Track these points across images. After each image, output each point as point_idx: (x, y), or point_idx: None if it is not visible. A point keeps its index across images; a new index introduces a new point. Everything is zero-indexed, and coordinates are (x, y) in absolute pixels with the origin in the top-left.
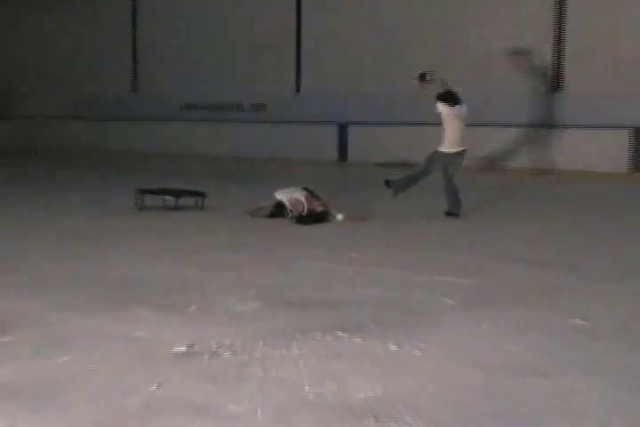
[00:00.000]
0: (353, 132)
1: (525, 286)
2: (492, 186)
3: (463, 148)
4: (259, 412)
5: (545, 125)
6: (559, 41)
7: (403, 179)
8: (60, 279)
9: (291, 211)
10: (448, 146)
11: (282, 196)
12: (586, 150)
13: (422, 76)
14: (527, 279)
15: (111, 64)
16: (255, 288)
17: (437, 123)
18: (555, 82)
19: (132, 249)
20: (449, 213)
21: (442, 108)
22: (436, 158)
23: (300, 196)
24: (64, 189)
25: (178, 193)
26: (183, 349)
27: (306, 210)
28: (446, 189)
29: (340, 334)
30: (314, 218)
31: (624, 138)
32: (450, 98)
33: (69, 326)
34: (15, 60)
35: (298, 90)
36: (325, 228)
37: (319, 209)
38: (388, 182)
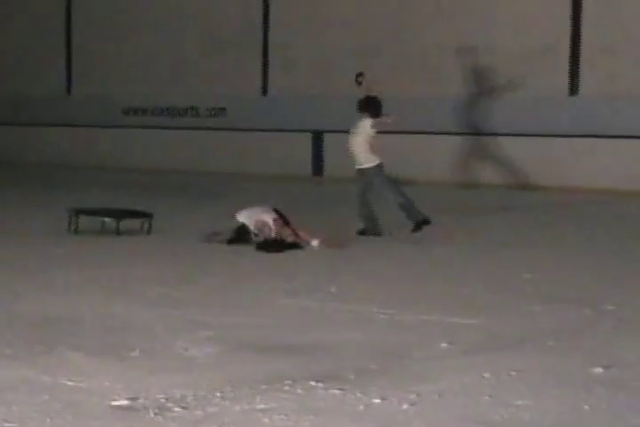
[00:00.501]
0: (329, 141)
1: (537, 325)
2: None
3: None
4: None
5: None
6: (576, 40)
7: (367, 219)
8: None
9: (256, 235)
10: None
11: (245, 218)
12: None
13: (356, 77)
14: (539, 317)
15: (40, 60)
16: (211, 329)
17: (430, 131)
18: (572, 83)
19: (61, 281)
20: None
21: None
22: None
23: (267, 218)
24: None
25: (119, 214)
26: (124, 402)
27: (273, 234)
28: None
29: (313, 384)
30: (281, 246)
31: None
32: (371, 106)
33: None
34: None
35: (264, 92)
36: (298, 256)
37: (289, 239)
38: (363, 232)
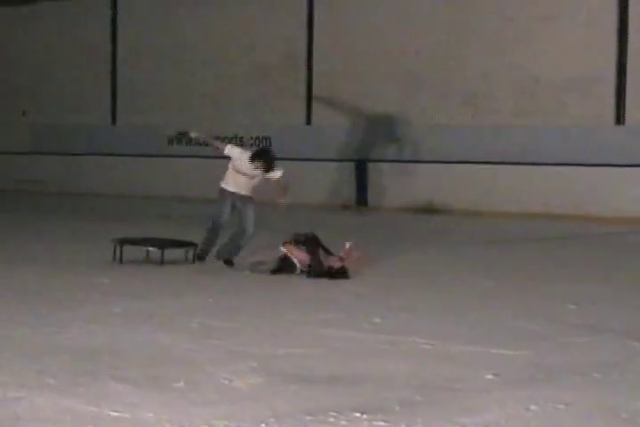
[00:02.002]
0: (373, 170)
1: (582, 357)
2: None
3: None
4: None
5: None
6: (621, 69)
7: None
8: (16, 349)
9: (307, 266)
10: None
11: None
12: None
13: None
14: (584, 349)
15: (85, 90)
16: (255, 360)
17: (474, 161)
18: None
19: (105, 312)
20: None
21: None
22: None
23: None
24: (21, 237)
25: (163, 244)
26: None
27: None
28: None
29: (358, 415)
30: (332, 274)
31: None
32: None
33: (28, 406)
34: None
35: (308, 121)
36: (341, 286)
37: (337, 265)
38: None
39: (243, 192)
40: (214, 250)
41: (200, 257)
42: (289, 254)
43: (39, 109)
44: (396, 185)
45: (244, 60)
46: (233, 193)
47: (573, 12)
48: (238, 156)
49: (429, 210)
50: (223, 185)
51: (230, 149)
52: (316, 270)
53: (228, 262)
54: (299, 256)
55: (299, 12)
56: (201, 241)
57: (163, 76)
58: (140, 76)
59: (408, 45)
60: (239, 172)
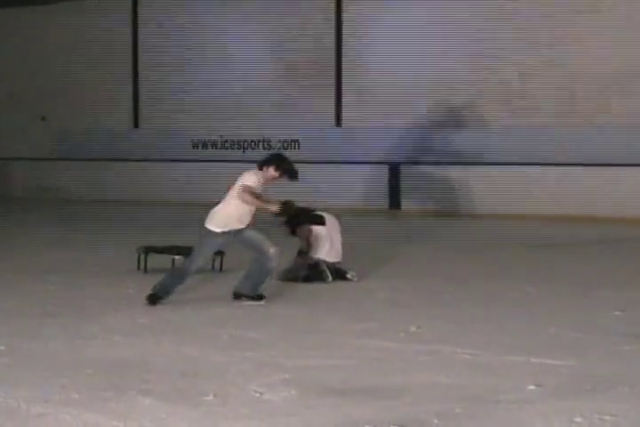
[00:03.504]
0: (406, 173)
1: (629, 366)
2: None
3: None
4: None
5: None
6: None
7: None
8: (39, 362)
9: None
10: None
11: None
12: None
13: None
14: (631, 358)
15: (107, 95)
16: (287, 372)
17: (505, 162)
18: None
19: (131, 323)
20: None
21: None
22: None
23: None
24: (42, 246)
25: (190, 252)
26: None
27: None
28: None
29: None
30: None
31: None
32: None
33: (54, 421)
34: None
35: (338, 123)
36: (375, 293)
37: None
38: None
39: (244, 225)
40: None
41: (152, 299)
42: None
43: (59, 114)
44: (429, 188)
45: (271, 60)
46: (230, 231)
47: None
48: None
49: (465, 213)
50: (218, 228)
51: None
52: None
53: (259, 297)
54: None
55: (327, 10)
56: (160, 282)
57: (187, 78)
58: (163, 78)
59: (442, 43)
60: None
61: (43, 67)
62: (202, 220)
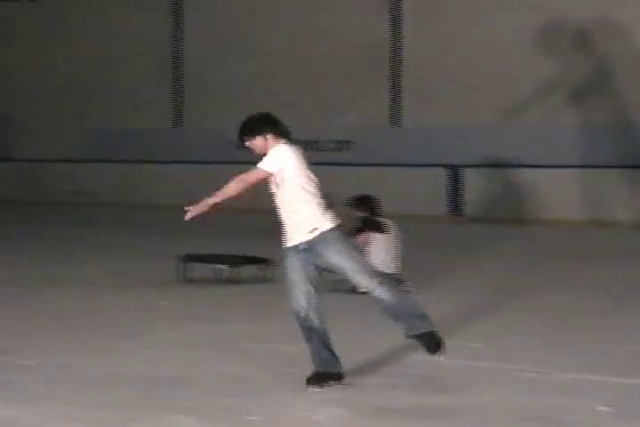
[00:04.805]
0: (468, 177)
1: None
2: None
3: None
4: None
5: None
6: None
7: None
8: (72, 378)
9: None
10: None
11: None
12: None
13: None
14: None
15: (144, 93)
16: (338, 389)
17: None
18: None
19: (169, 338)
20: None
21: None
22: None
23: None
24: (73, 255)
25: (234, 260)
26: None
27: None
28: None
29: None
30: None
31: None
32: None
33: None
34: (18, 88)
35: (394, 122)
36: (431, 306)
37: None
38: None
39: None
40: None
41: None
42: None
43: (95, 114)
44: (493, 192)
45: (322, 56)
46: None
47: None
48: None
49: (531, 219)
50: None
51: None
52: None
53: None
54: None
55: (382, 3)
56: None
57: (231, 75)
58: (206, 76)
59: (504, 34)
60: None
61: (79, 64)
62: (252, 226)
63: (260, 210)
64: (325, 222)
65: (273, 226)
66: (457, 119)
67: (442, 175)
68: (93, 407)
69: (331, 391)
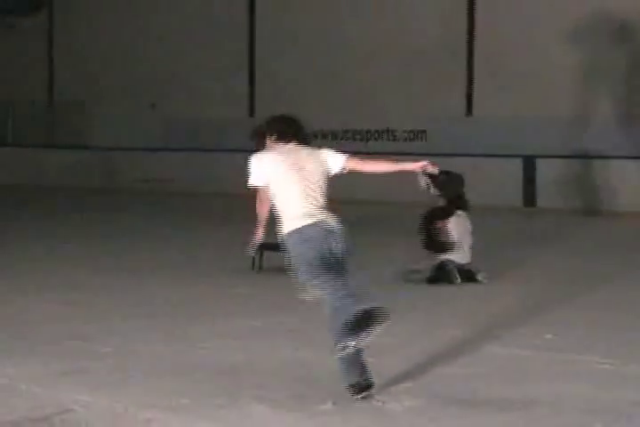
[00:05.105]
0: (543, 167)
1: None
2: None
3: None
4: None
5: None
6: None
7: None
8: (147, 366)
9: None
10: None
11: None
12: None
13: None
14: None
15: (219, 81)
16: (411, 380)
17: None
18: None
19: (244, 326)
20: None
21: None
22: None
23: None
24: (147, 244)
25: None
26: None
27: None
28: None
29: None
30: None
31: None
32: None
33: None
34: (94, 77)
35: (469, 113)
36: (505, 297)
37: None
38: None
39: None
40: None
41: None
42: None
43: (169, 102)
44: (568, 184)
45: (396, 45)
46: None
47: None
48: None
49: (607, 211)
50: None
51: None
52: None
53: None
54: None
55: None
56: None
57: (306, 65)
58: (281, 65)
59: (579, 24)
60: None
61: (153, 53)
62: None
63: (349, 201)
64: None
65: (358, 217)
66: (531, 109)
67: (516, 166)
68: (166, 394)
69: (405, 382)
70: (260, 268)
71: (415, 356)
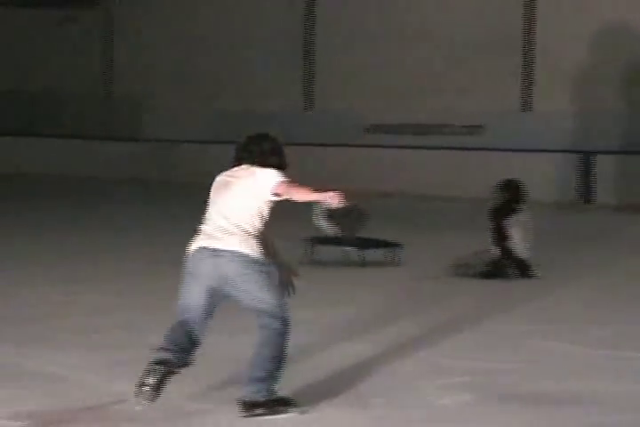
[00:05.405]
0: (601, 163)
1: None
2: None
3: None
4: None
5: None
6: None
7: None
8: (200, 356)
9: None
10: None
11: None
12: None
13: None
14: None
15: (274, 74)
16: (464, 374)
17: None
18: None
19: (301, 317)
20: None
21: None
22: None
23: None
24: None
25: (363, 243)
26: None
27: None
28: None
29: None
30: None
31: None
32: None
33: (210, 421)
34: (150, 70)
35: (526, 107)
36: (561, 293)
37: None
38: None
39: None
40: None
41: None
42: None
43: (225, 95)
44: (626, 179)
45: (454, 40)
46: None
47: None
48: None
49: None
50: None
51: None
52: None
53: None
54: None
55: None
56: None
57: (361, 58)
58: (337, 58)
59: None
60: None
61: (208, 45)
62: (381, 209)
63: (386, 194)
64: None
65: (408, 211)
66: (588, 104)
67: (573, 161)
68: (220, 386)
69: (457, 377)
70: (313, 262)
71: (466, 350)
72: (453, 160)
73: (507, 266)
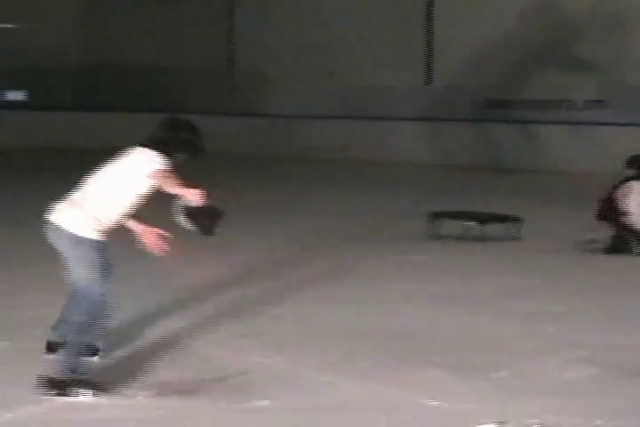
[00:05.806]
0: None
1: None
2: None
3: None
4: None
5: None
6: None
7: None
8: (321, 329)
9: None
10: None
11: None
12: None
13: None
14: None
15: (394, 49)
16: (589, 349)
17: None
18: None
19: (420, 292)
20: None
21: None
22: None
23: None
24: (319, 211)
25: (483, 218)
26: (492, 426)
27: None
28: None
29: None
30: None
31: None
32: None
33: (337, 392)
34: (274, 46)
35: None
36: None
37: None
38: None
39: None
40: None
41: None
42: None
43: (345, 70)
44: None
45: (575, 13)
46: None
47: None
48: None
49: None
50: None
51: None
52: None
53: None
54: None
55: None
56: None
57: (481, 33)
58: (458, 34)
59: None
60: None
61: (329, 23)
62: (498, 185)
63: (507, 169)
64: None
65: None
66: None
67: None
68: (343, 358)
69: (584, 351)
70: (436, 236)
71: (592, 325)
72: (574, 133)
73: (632, 241)
